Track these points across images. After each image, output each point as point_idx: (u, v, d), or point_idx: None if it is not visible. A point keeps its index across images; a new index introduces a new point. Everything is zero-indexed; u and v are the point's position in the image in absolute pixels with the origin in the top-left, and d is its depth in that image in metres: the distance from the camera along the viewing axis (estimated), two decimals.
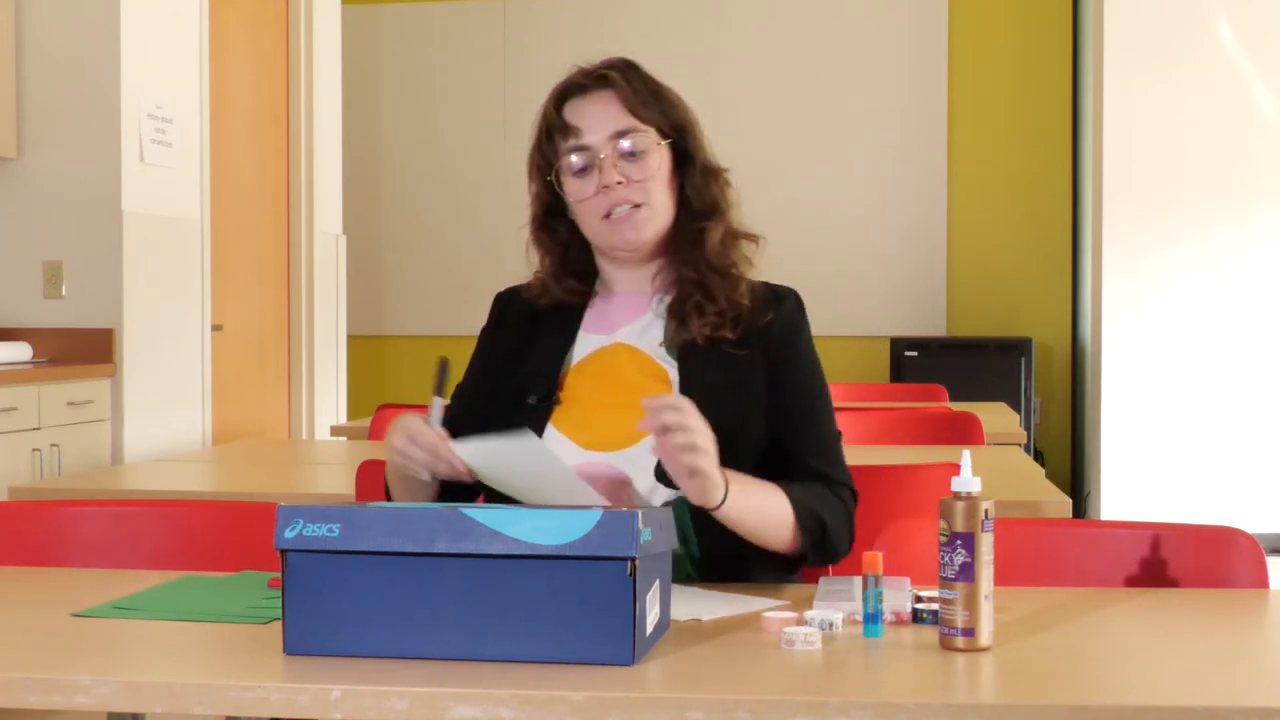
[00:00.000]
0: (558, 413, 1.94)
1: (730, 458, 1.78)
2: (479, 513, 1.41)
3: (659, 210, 1.95)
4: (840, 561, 1.91)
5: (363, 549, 1.41)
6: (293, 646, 1.43)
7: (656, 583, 1.47)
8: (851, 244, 7.52)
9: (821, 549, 1.86)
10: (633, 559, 1.38)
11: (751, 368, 1.93)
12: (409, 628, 1.41)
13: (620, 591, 1.38)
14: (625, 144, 1.93)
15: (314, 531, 1.42)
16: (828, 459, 1.94)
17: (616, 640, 1.38)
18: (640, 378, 1.94)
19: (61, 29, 4.99)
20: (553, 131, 1.96)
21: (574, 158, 1.94)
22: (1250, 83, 6.43)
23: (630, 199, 1.92)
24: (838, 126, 7.58)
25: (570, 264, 2.02)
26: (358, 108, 7.65)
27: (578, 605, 1.39)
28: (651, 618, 1.45)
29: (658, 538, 1.48)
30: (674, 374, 1.93)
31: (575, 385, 1.96)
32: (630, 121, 1.93)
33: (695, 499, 1.73)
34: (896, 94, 7.54)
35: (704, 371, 1.91)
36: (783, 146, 7.52)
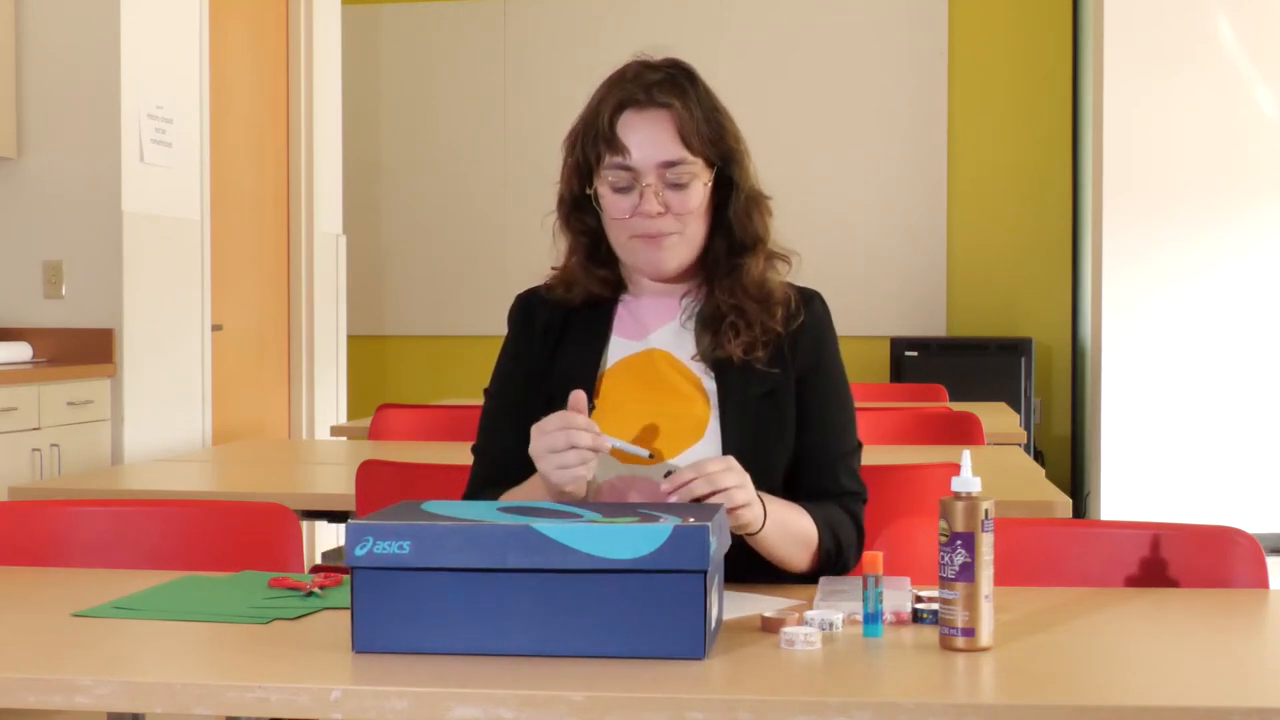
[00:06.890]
0: (594, 420, 1.90)
1: (767, 468, 1.84)
2: (550, 528, 1.43)
3: (690, 239, 1.91)
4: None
5: (434, 565, 1.43)
6: (362, 645, 1.45)
7: (717, 579, 1.50)
8: (851, 244, 7.52)
9: (834, 569, 1.88)
10: (704, 571, 1.41)
11: (784, 376, 1.93)
12: (480, 628, 1.43)
13: (692, 601, 1.41)
14: (671, 176, 1.88)
15: (384, 549, 1.43)
16: (845, 471, 1.96)
17: (689, 639, 1.41)
18: (682, 384, 1.92)
19: (61, 29, 4.99)
20: (599, 138, 1.91)
21: (617, 175, 1.89)
22: (1250, 83, 6.42)
23: (665, 230, 1.89)
24: (838, 126, 7.58)
25: (602, 253, 1.97)
26: (358, 108, 7.64)
27: (649, 612, 1.41)
28: (714, 614, 1.48)
29: (721, 543, 1.51)
30: (710, 384, 1.91)
31: (610, 390, 1.93)
32: (680, 153, 1.89)
33: (738, 529, 1.73)
34: (896, 94, 7.53)
35: (741, 384, 1.91)
36: (782, 147, 7.51)
